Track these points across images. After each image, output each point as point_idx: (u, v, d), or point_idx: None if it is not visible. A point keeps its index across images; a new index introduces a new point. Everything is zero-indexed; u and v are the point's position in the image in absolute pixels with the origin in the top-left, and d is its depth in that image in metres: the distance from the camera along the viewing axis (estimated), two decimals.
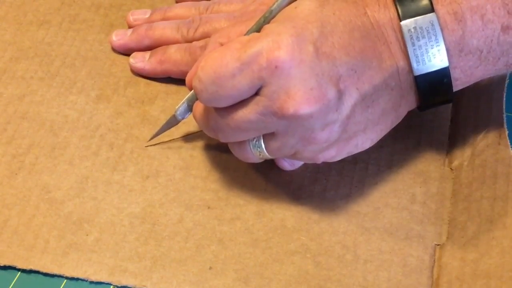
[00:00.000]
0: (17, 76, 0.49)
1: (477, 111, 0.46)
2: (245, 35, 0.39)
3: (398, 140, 0.46)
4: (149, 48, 0.50)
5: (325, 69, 0.36)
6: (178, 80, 0.49)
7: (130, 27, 0.52)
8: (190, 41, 0.48)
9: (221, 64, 0.37)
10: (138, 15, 0.52)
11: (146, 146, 0.46)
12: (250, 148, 0.40)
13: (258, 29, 0.39)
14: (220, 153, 0.46)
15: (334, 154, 0.40)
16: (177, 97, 0.49)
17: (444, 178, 0.45)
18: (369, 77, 0.37)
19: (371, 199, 0.44)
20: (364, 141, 0.40)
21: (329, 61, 0.36)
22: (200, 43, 0.47)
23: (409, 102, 0.40)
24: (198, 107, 0.41)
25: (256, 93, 0.37)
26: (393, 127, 0.41)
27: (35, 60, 0.50)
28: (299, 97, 0.36)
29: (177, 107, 0.44)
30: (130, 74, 0.50)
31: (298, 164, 0.44)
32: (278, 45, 0.36)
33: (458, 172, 0.45)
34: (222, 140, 0.41)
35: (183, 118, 0.44)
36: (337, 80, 0.36)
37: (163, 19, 0.51)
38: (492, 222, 0.41)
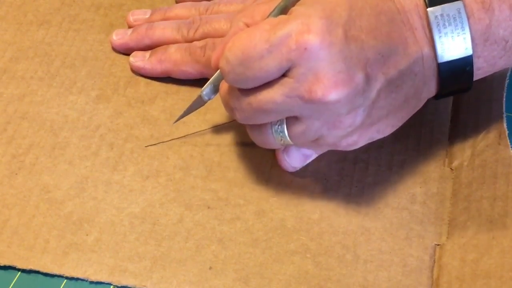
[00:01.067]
0: (17, 76, 0.49)
1: (477, 111, 0.46)
2: (271, 13, 0.39)
3: (398, 140, 0.46)
4: (149, 47, 0.50)
5: (354, 53, 0.36)
6: (178, 80, 0.49)
7: (130, 27, 0.52)
8: (190, 42, 0.48)
9: (249, 45, 0.36)
10: (138, 15, 0.52)
11: (146, 146, 0.46)
12: (272, 132, 0.40)
13: (283, 7, 0.38)
14: (220, 153, 0.46)
15: (356, 139, 0.40)
16: (177, 97, 0.49)
17: (444, 178, 0.45)
18: (394, 62, 0.37)
19: (371, 199, 0.44)
20: (385, 127, 0.40)
21: (357, 45, 0.36)
22: (201, 43, 0.47)
23: (430, 89, 0.40)
24: (224, 85, 0.41)
25: (284, 75, 0.37)
26: (413, 113, 0.41)
27: (35, 60, 0.50)
28: (328, 80, 0.36)
29: (203, 88, 0.43)
30: (130, 74, 0.50)
31: (299, 166, 0.44)
32: (308, 27, 0.35)
33: (458, 172, 0.45)
34: (241, 121, 0.40)
35: (209, 99, 0.43)
36: (365, 64, 0.36)
37: (163, 19, 0.51)
38: (492, 222, 0.41)
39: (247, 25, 0.39)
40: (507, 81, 0.46)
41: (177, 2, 0.54)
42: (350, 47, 0.36)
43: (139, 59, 0.49)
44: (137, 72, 0.50)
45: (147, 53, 0.50)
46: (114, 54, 0.51)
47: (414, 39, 0.38)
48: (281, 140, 0.40)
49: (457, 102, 0.48)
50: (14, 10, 0.53)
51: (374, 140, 0.40)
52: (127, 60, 0.50)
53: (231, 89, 0.39)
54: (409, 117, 0.41)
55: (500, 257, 0.39)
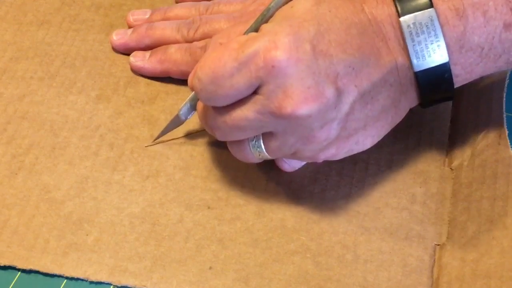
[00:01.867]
0: (17, 76, 0.50)
1: (477, 111, 0.46)
2: (244, 34, 0.39)
3: (398, 140, 0.46)
4: (149, 47, 0.50)
5: (322, 68, 0.36)
6: (178, 80, 0.49)
7: (130, 27, 0.52)
8: (190, 42, 0.48)
9: (219, 64, 0.37)
10: (138, 15, 0.52)
11: (146, 146, 0.46)
12: (250, 148, 0.40)
13: (256, 28, 0.39)
14: (220, 153, 0.46)
15: (334, 152, 0.40)
16: (177, 97, 0.49)
17: (444, 178, 0.45)
18: (367, 74, 0.37)
19: (371, 199, 0.44)
20: (364, 138, 0.40)
21: (326, 59, 0.36)
22: (201, 43, 0.47)
23: (410, 99, 0.40)
24: (200, 104, 0.41)
25: (255, 92, 0.37)
26: (395, 123, 0.41)
27: (35, 60, 0.50)
28: (297, 96, 0.36)
29: (180, 107, 0.44)
30: (130, 74, 0.50)
31: (298, 166, 0.44)
32: (275, 44, 0.36)
33: (458, 172, 0.45)
34: (220, 138, 0.41)
35: (186, 118, 0.44)
36: (335, 78, 0.36)
37: (163, 19, 0.51)
38: (492, 222, 0.41)
39: None
40: (507, 81, 0.46)
41: (177, 2, 0.54)
42: (318, 62, 0.36)
43: (139, 59, 0.49)
44: (137, 72, 0.50)
45: (147, 53, 0.50)
46: (114, 54, 0.51)
47: (387, 49, 0.38)
48: (259, 154, 0.40)
49: (457, 102, 0.48)
50: (14, 10, 0.53)
51: (355, 152, 0.40)
52: (127, 60, 0.50)
53: (207, 108, 0.40)
54: (391, 127, 0.41)
55: (500, 257, 0.39)
